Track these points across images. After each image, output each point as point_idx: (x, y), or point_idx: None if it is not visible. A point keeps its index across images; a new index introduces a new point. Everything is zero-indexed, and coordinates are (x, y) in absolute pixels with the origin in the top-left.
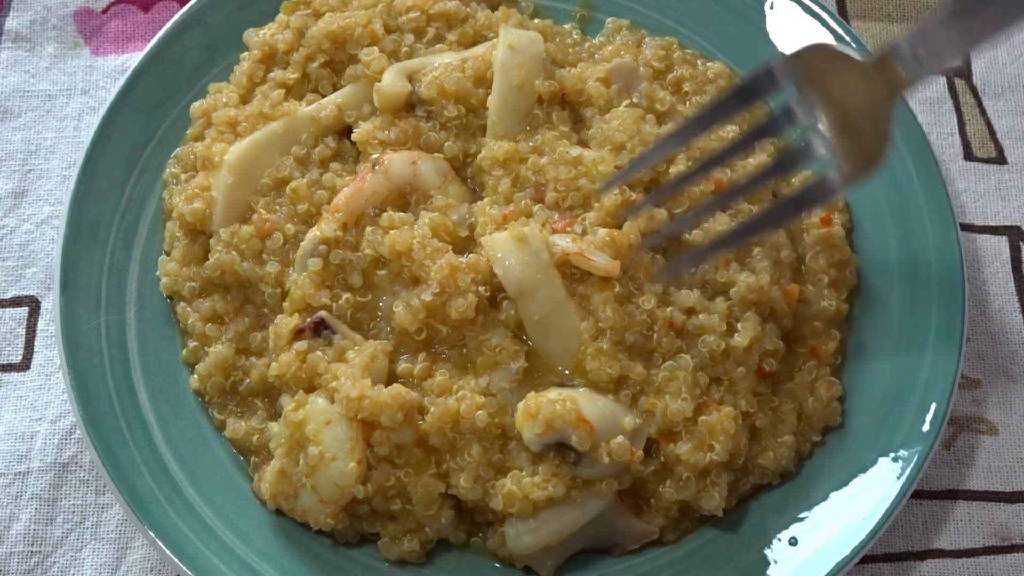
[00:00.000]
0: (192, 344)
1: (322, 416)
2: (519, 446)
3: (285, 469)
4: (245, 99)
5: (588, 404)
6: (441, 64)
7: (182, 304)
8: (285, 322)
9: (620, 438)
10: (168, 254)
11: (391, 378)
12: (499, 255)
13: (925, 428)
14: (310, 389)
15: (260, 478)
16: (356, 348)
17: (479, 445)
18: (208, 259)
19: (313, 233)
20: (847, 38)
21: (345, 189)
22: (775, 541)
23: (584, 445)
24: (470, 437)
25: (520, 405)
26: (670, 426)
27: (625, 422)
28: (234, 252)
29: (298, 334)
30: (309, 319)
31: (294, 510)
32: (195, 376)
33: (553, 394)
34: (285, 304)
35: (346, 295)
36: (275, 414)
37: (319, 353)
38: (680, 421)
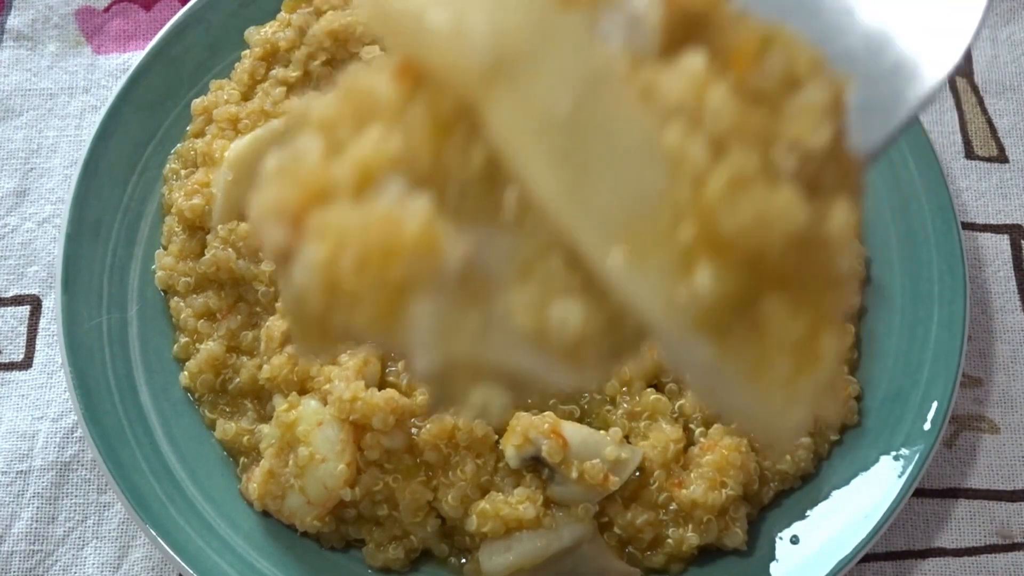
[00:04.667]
0: (183, 340)
1: (314, 417)
2: (507, 467)
3: (274, 470)
4: (246, 96)
5: (571, 428)
6: None
7: (176, 299)
8: (277, 325)
9: (596, 461)
10: (165, 248)
11: (382, 384)
12: None
13: (926, 427)
14: (302, 391)
15: (248, 479)
16: (349, 352)
17: (473, 462)
18: (204, 255)
19: None
20: None
21: None
22: (776, 539)
23: (554, 457)
24: (465, 453)
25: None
26: (666, 458)
27: (607, 451)
28: (230, 249)
29: (289, 338)
30: None
31: (280, 511)
32: (185, 372)
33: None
34: (278, 304)
35: None
36: (265, 416)
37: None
38: (673, 452)
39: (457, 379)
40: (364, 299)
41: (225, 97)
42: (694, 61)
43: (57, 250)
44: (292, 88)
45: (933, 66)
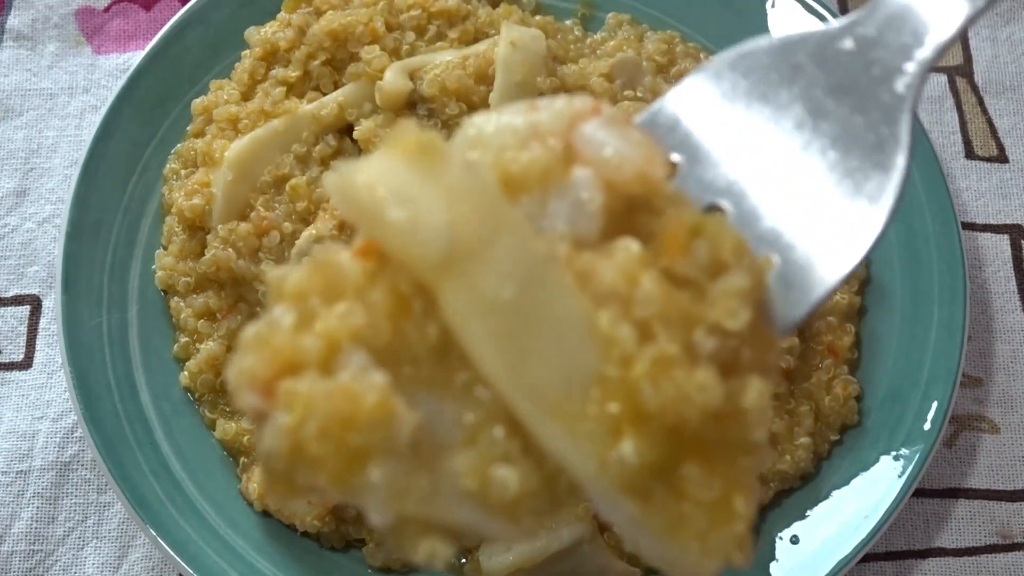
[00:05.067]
0: (183, 340)
1: None
2: None
3: None
4: (246, 96)
5: None
6: (442, 62)
7: (176, 299)
8: None
9: None
10: (165, 248)
11: None
12: (380, 193)
13: (927, 426)
14: None
15: (248, 479)
16: None
17: None
18: (204, 255)
19: (309, 231)
20: None
21: None
22: (776, 539)
23: None
24: None
25: None
26: None
27: None
28: (230, 249)
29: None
30: None
31: (280, 511)
32: (185, 372)
33: None
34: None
35: None
36: None
37: None
38: None
39: (407, 533)
40: (325, 462)
41: (225, 97)
42: (629, 248)
43: (57, 250)
44: (292, 88)
45: (848, 250)
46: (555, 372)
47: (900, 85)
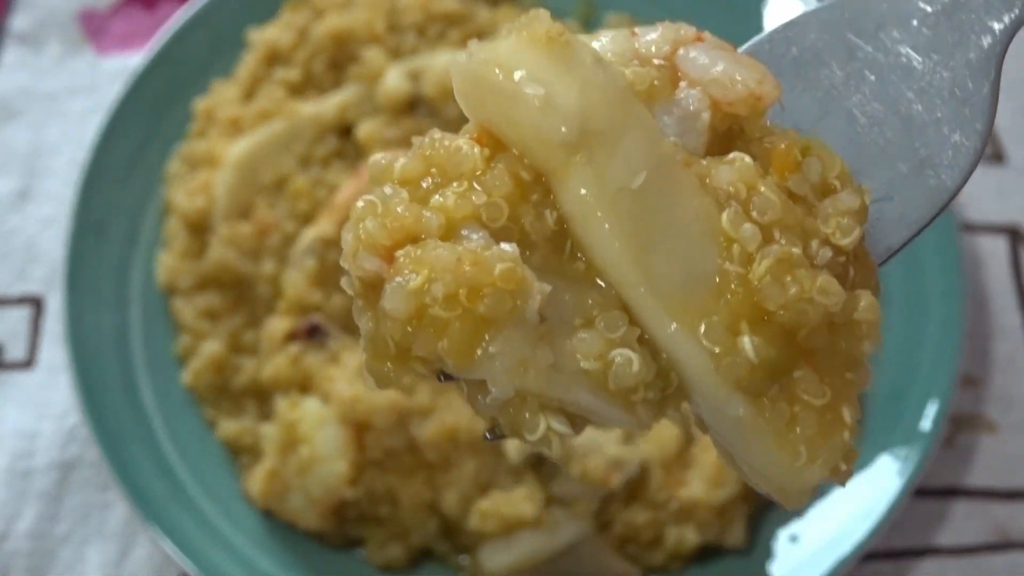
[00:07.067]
0: (185, 339)
1: (315, 417)
2: (508, 465)
3: (276, 469)
4: (247, 97)
5: None
6: (443, 62)
7: (177, 298)
8: (277, 324)
9: (598, 459)
10: (168, 248)
11: None
12: (515, 72)
13: (925, 426)
14: (303, 391)
15: (250, 478)
16: (351, 351)
17: (474, 460)
18: (206, 255)
19: (310, 231)
20: None
21: (345, 187)
22: (775, 538)
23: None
24: (465, 452)
25: None
26: (666, 456)
27: (609, 449)
28: (232, 249)
29: (291, 337)
30: (303, 322)
31: (282, 510)
32: (187, 371)
33: None
34: (279, 303)
35: (337, 295)
36: (267, 415)
37: (312, 356)
38: (673, 449)
39: (524, 409)
40: (450, 328)
41: (227, 98)
42: (744, 159)
43: (60, 250)
44: (293, 89)
45: (932, 197)
46: (676, 266)
47: (987, 44)
